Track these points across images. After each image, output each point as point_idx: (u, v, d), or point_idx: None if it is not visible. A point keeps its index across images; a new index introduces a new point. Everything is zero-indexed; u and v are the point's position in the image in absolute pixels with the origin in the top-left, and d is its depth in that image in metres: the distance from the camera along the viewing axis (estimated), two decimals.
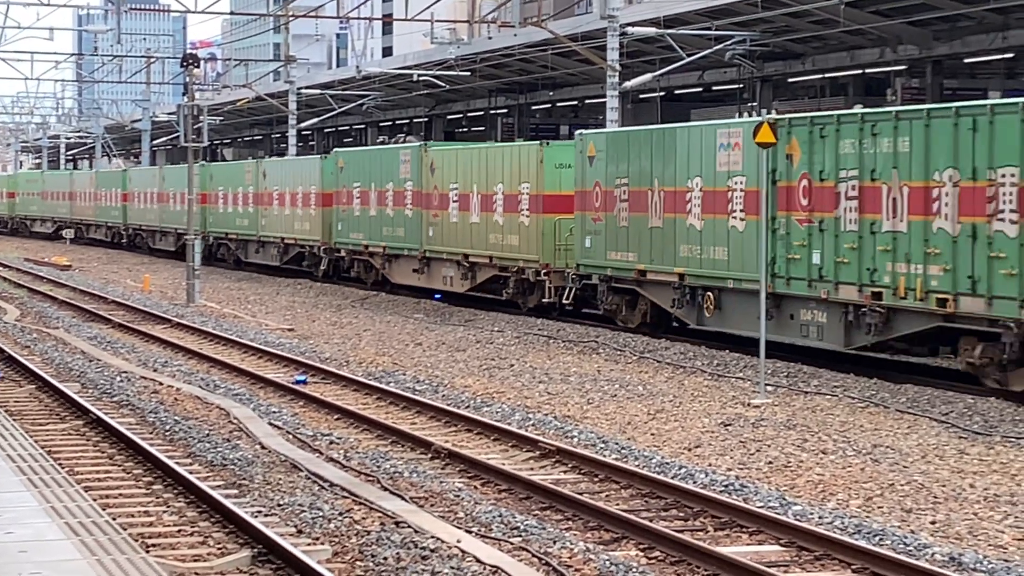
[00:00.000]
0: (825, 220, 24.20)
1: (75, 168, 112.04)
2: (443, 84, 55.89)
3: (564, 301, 32.71)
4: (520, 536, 13.62)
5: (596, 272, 31.12)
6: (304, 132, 73.58)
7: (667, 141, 28.73)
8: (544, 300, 33.87)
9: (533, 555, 12.95)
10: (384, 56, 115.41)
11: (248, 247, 55.36)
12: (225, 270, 54.75)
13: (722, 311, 27.05)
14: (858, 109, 24.62)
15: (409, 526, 13.77)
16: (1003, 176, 20.69)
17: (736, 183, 26.46)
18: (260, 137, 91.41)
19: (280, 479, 16.09)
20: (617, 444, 18.15)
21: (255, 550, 12.86)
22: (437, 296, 39.36)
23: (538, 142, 35.11)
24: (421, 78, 55.21)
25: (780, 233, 25.11)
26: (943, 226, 21.75)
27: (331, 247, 46.43)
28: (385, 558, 12.59)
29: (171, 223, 62.41)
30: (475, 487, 16.24)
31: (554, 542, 13.31)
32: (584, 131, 32.75)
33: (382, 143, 51.31)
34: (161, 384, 23.84)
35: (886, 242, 22.87)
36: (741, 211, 26.33)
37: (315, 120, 67.45)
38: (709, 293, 27.25)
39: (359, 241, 44.17)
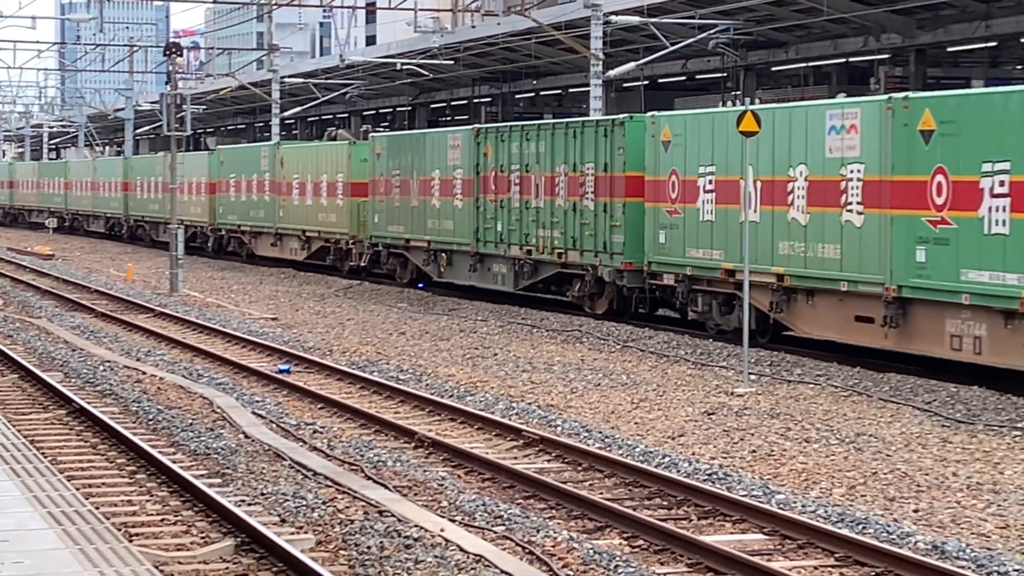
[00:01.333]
0: (502, 200, 34.50)
1: (59, 156, 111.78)
2: (427, 73, 55.84)
3: (362, 264, 42.74)
4: (503, 525, 13.63)
5: (381, 240, 41.25)
6: (287, 121, 73.45)
7: (421, 141, 39.89)
8: (352, 264, 43.75)
9: (517, 544, 12.95)
10: (368, 45, 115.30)
11: (261, 239, 51.96)
12: (208, 259, 54.65)
13: (452, 267, 37.37)
14: (518, 123, 34.92)
15: (392, 515, 13.77)
16: (588, 168, 31.02)
17: (457, 174, 37.08)
18: (243, 126, 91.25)
19: (263, 468, 16.07)
20: (601, 433, 18.16)
21: (238, 539, 12.84)
22: (420, 285, 39.39)
23: (347, 141, 45.34)
24: (404, 67, 55.14)
25: (481, 210, 35.49)
26: (560, 203, 32.02)
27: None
28: (368, 547, 12.59)
29: (101, 208, 72.25)
30: (458, 476, 16.24)
31: (538, 531, 13.32)
32: (375, 133, 43.80)
33: (321, 136, 57.12)
34: (144, 373, 23.80)
35: (534, 215, 33.08)
36: (460, 194, 36.83)
37: (298, 109, 67.35)
38: (443, 254, 37.63)
39: (234, 222, 53.84)
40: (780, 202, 24.89)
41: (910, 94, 22.73)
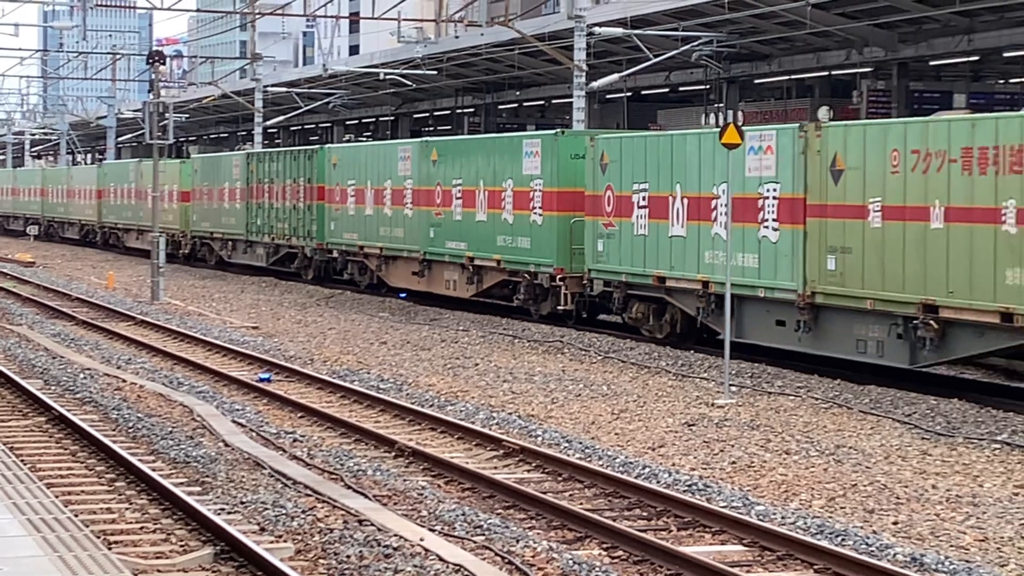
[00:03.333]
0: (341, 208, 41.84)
1: (44, 164, 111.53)
2: (410, 83, 55.84)
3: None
4: (483, 535, 13.62)
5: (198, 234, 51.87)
6: (270, 130, 73.40)
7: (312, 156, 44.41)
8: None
9: (496, 554, 12.95)
10: (351, 54, 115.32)
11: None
12: (192, 268, 54.55)
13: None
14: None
15: (372, 524, 13.76)
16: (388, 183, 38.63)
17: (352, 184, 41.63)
18: (226, 135, 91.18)
19: (243, 477, 16.05)
20: (581, 443, 18.17)
21: (217, 548, 12.83)
22: (402, 295, 39.37)
23: (246, 152, 51.11)
24: (388, 77, 55.15)
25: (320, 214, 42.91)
26: (506, 216, 32.73)
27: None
28: (348, 556, 12.58)
29: (75, 215, 73.55)
30: (439, 486, 16.23)
31: (517, 541, 13.32)
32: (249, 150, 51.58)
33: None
34: (124, 381, 23.75)
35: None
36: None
37: (281, 118, 67.31)
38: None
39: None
40: (705, 217, 26.53)
41: (824, 124, 23.94)
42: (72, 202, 73.63)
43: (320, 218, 42.99)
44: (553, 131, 33.69)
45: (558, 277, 30.97)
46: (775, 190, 24.59)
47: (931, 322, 21.36)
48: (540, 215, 31.55)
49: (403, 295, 39.39)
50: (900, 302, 21.94)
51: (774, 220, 24.62)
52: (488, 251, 33.63)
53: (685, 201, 26.94)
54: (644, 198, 28.18)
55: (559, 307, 31.32)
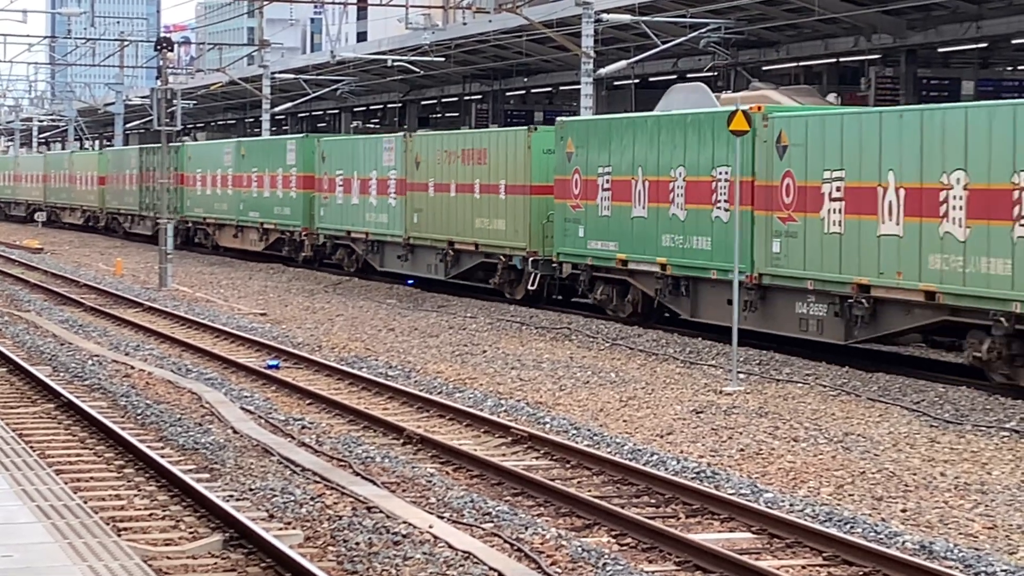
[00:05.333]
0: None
1: (48, 150, 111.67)
2: (417, 70, 55.81)
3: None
4: (492, 522, 13.63)
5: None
6: (278, 117, 73.38)
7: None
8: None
9: (505, 541, 12.96)
10: (359, 41, 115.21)
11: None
12: (200, 254, 54.59)
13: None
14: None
15: (381, 511, 13.77)
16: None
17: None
18: (234, 121, 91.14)
19: (252, 464, 16.07)
20: (589, 431, 18.18)
21: (227, 534, 12.85)
22: (410, 282, 39.36)
23: (139, 148, 61.29)
24: (395, 63, 55.11)
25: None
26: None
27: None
28: (357, 543, 12.59)
29: (78, 201, 75.85)
30: (447, 473, 16.24)
31: (526, 528, 13.33)
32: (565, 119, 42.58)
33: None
34: (133, 368, 23.78)
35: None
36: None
37: (289, 105, 67.27)
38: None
39: (199, 215, 58.75)
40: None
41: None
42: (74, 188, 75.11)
43: (180, 198, 56.15)
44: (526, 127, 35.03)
45: (531, 260, 32.94)
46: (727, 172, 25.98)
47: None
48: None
49: (411, 282, 39.38)
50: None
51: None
52: (466, 235, 35.80)
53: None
54: (608, 181, 29.83)
55: (530, 288, 33.38)
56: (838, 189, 23.49)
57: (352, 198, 41.51)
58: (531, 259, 32.91)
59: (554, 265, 32.02)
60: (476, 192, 35.23)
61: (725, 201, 25.89)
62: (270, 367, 24.01)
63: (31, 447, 15.86)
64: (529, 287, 33.27)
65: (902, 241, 22.13)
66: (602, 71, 40.59)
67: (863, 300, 22.91)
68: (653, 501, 14.83)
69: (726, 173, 25.87)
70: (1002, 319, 20.44)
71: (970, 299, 20.97)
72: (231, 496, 14.37)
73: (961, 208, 20.98)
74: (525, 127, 34.70)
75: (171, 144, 48.79)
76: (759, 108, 25.22)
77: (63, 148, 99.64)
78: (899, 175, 22.19)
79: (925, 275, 21.66)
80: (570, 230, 30.99)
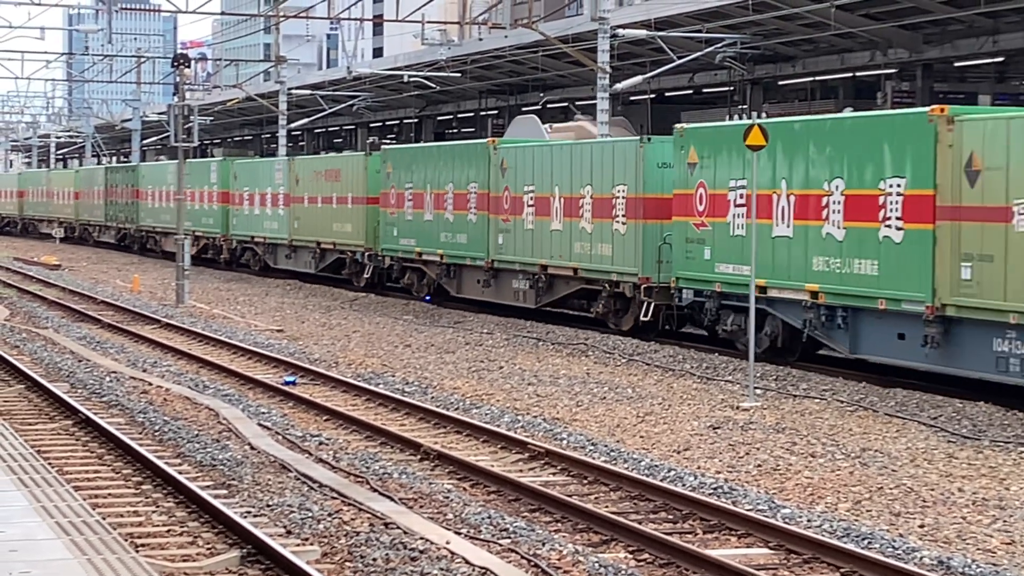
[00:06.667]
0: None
1: (64, 167, 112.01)
2: (433, 85, 55.91)
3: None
4: (509, 538, 13.63)
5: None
6: (294, 132, 73.53)
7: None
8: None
9: (522, 556, 12.96)
10: (375, 57, 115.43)
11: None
12: (215, 271, 54.68)
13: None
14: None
15: (398, 527, 13.78)
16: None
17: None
18: (250, 137, 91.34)
19: (269, 480, 16.09)
20: (606, 446, 18.17)
21: (244, 550, 12.86)
22: (427, 298, 39.42)
23: (105, 167, 69.09)
24: (411, 79, 55.22)
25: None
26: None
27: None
28: (374, 559, 12.60)
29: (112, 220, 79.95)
30: (464, 488, 16.25)
31: (543, 544, 13.33)
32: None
33: (371, 144, 64.07)
34: (150, 384, 23.83)
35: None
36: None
37: (305, 121, 67.43)
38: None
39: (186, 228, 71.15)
40: (575, 214, 31.84)
41: (685, 125, 28.36)
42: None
43: (136, 211, 66.47)
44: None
45: (486, 267, 35.77)
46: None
47: None
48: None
49: (427, 298, 39.44)
50: None
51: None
52: (327, 237, 45.24)
53: (562, 200, 32.13)
54: (532, 198, 33.48)
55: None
56: (741, 196, 25.60)
57: (255, 209, 51.93)
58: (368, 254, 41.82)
59: (486, 268, 35.56)
60: (333, 203, 45.04)
61: (898, 219, 22.74)
62: (287, 383, 24.04)
63: (50, 463, 15.89)
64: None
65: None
66: (618, 86, 40.63)
67: None
68: (670, 517, 14.82)
69: (899, 186, 22.75)
70: None
71: None
72: (248, 512, 14.39)
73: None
74: (365, 152, 44.00)
75: (127, 165, 57.53)
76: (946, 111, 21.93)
77: (80, 164, 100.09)
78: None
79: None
80: (694, 251, 27.80)
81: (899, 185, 22.49)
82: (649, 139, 30.27)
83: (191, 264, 41.63)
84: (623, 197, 30.23)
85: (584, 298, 32.40)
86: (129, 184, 68.33)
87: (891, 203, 22.68)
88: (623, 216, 30.21)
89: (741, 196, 26.47)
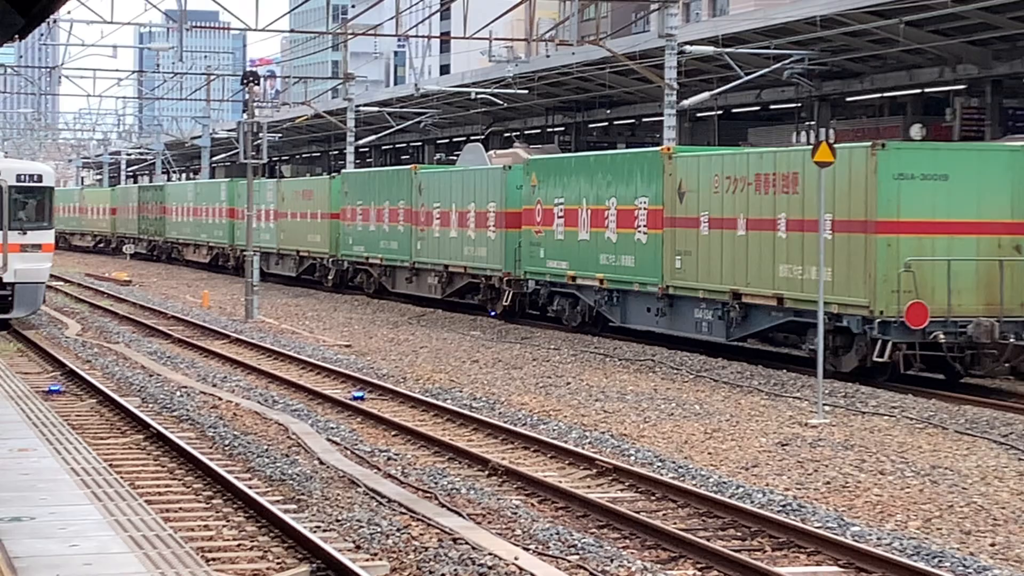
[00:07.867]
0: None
1: (136, 183, 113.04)
2: (500, 102, 56.03)
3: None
4: (577, 554, 13.65)
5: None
6: (362, 149, 73.86)
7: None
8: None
9: (591, 573, 12.98)
10: (442, 74, 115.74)
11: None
12: (283, 286, 54.99)
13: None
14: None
15: (467, 543, 13.83)
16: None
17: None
18: (319, 154, 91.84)
19: (338, 495, 16.18)
20: (674, 463, 18.16)
21: (314, 565, 12.94)
22: (492, 312, 39.50)
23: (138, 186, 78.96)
24: (479, 96, 55.34)
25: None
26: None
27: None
28: (443, 574, 12.65)
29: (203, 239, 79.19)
30: (532, 504, 16.28)
31: (611, 560, 13.34)
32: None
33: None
34: (220, 399, 24.00)
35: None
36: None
37: (373, 137, 67.73)
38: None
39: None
40: (465, 224, 39.61)
41: (530, 157, 36.39)
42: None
43: (161, 225, 75.77)
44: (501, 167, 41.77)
45: (505, 280, 38.49)
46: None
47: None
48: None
49: (493, 312, 39.53)
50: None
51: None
52: (304, 246, 53.31)
53: (589, 212, 34.19)
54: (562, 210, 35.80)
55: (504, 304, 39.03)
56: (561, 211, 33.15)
57: (254, 223, 57.92)
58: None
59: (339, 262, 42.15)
60: (308, 218, 53.41)
61: (644, 226, 31.89)
62: (355, 398, 24.15)
63: (122, 477, 16.05)
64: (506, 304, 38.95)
65: None
66: (685, 103, 40.59)
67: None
68: (739, 534, 14.80)
69: (644, 203, 31.01)
70: None
71: None
72: (318, 527, 14.48)
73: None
74: (329, 176, 52.81)
75: (156, 184, 64.24)
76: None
77: (150, 181, 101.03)
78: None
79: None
80: (534, 251, 35.02)
81: (645, 202, 31.43)
82: (510, 168, 38.89)
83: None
84: (493, 211, 38.97)
85: (471, 290, 41.05)
86: (157, 201, 76.21)
87: (640, 215, 31.54)
88: (494, 225, 38.84)
89: (561, 210, 35.18)
